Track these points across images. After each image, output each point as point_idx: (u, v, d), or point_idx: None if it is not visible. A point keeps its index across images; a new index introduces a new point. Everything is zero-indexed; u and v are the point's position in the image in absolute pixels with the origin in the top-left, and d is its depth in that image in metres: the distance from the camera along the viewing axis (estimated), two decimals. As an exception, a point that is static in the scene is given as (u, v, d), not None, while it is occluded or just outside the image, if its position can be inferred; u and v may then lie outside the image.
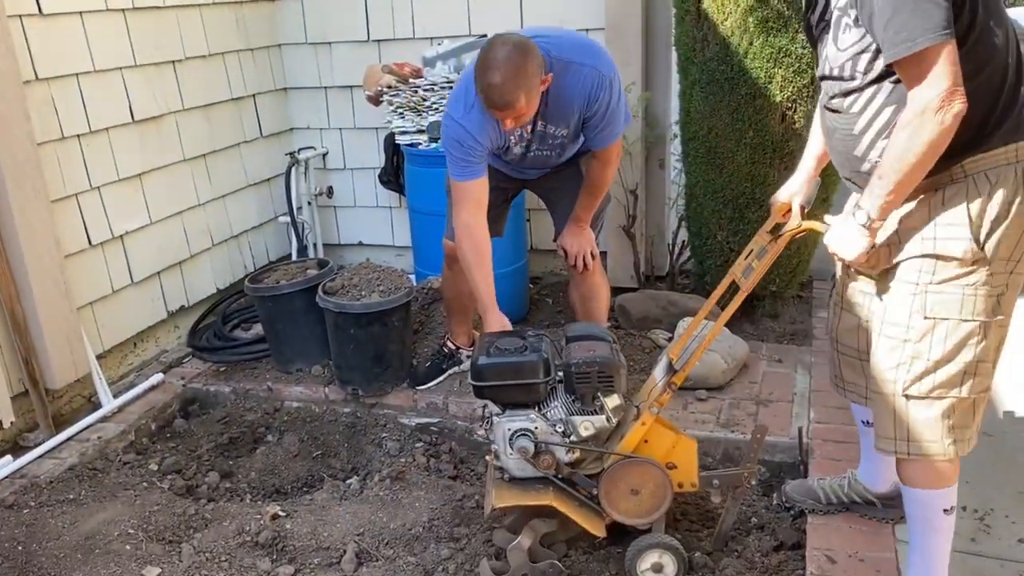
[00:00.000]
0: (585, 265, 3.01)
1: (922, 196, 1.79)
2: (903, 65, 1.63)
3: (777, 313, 3.69)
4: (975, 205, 1.73)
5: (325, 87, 4.43)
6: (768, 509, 2.60)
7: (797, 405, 2.99)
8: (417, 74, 3.90)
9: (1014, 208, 1.73)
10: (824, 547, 2.25)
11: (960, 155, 1.71)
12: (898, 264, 1.85)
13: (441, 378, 3.23)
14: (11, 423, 3.02)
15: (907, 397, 1.84)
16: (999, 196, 1.72)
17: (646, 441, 2.20)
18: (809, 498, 2.42)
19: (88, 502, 2.71)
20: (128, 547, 2.47)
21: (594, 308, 3.12)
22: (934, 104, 1.60)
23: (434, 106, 3.83)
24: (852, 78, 1.77)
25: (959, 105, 1.60)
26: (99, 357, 3.34)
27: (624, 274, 4.04)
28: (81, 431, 3.10)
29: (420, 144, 3.79)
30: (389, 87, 3.87)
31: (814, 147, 2.18)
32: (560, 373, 2.22)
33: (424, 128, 3.79)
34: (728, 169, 3.40)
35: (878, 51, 1.69)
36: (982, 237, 1.73)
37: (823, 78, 1.88)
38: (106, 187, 3.40)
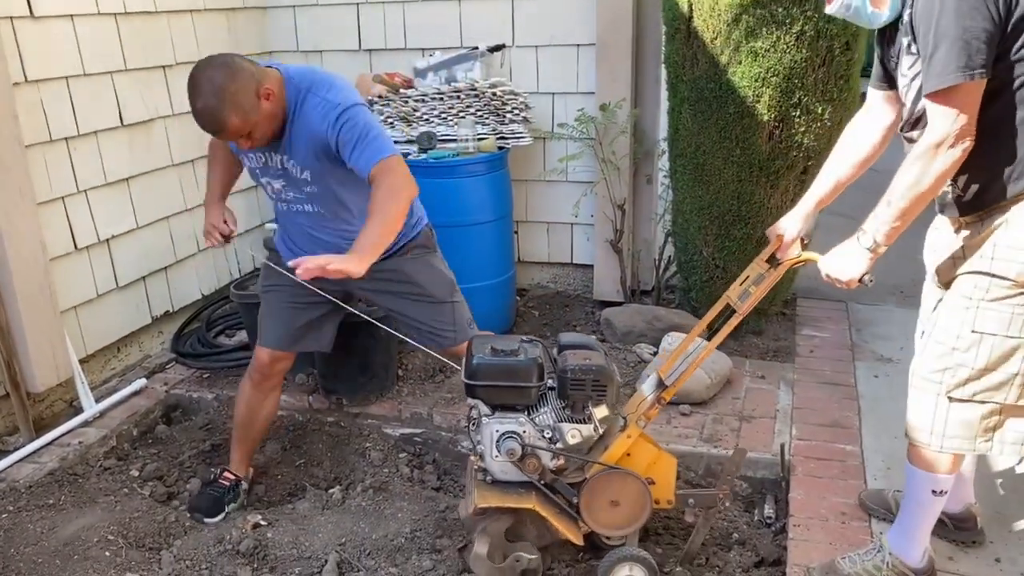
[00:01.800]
0: (445, 339, 2.70)
1: (990, 217, 1.87)
2: (932, 97, 1.73)
3: (761, 330, 3.72)
4: None
5: (315, 95, 4.43)
6: (749, 525, 2.62)
7: (779, 422, 3.02)
8: (408, 84, 3.92)
9: None
10: (804, 563, 2.27)
11: None
12: (958, 276, 1.94)
13: (221, 516, 2.72)
14: (-9, 426, 3.00)
15: (950, 399, 1.95)
16: None
17: (629, 454, 2.22)
18: (883, 507, 2.46)
19: (68, 508, 2.69)
20: (107, 553, 2.46)
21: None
22: (950, 139, 1.72)
23: (424, 116, 3.85)
24: (914, 106, 1.88)
25: (969, 142, 1.73)
26: (82, 361, 3.32)
27: (610, 288, 4.06)
28: (62, 436, 3.08)
29: (410, 154, 3.79)
30: (380, 97, 3.89)
31: (819, 189, 2.28)
32: (553, 379, 2.23)
33: (414, 138, 3.80)
34: (715, 186, 3.43)
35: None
36: None
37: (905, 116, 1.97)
38: (93, 191, 3.39)
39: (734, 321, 2.23)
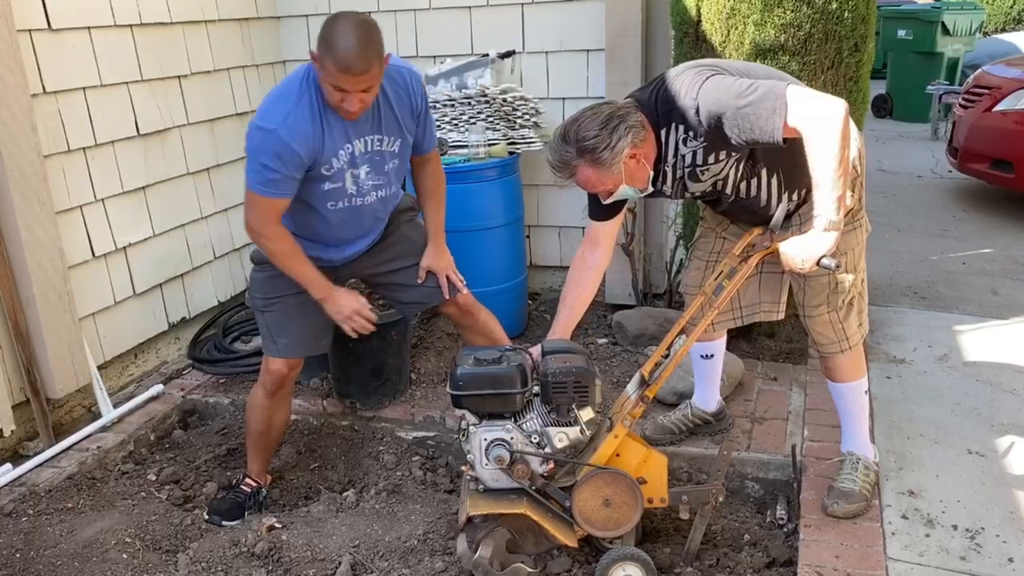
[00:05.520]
0: (454, 288, 2.80)
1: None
2: (798, 108, 2.02)
3: (773, 332, 3.71)
4: None
5: (328, 103, 4.47)
6: (761, 526, 2.63)
7: (791, 423, 3.02)
8: (419, 91, 3.95)
9: None
10: (816, 564, 2.27)
11: None
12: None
13: (241, 520, 2.77)
14: (11, 432, 3.04)
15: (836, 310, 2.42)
16: None
17: (618, 455, 2.25)
18: (665, 434, 2.88)
19: (86, 511, 2.74)
20: (125, 556, 2.50)
21: (501, 337, 2.89)
22: (842, 112, 2.00)
23: (436, 123, 3.87)
24: (724, 187, 2.30)
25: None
26: (100, 367, 3.37)
27: (622, 291, 4.07)
28: (80, 440, 3.13)
29: (421, 160, 3.83)
30: (391, 104, 3.92)
31: (567, 322, 2.50)
32: (537, 385, 2.26)
33: (425, 145, 3.83)
34: (725, 189, 3.43)
35: (737, 162, 2.23)
36: None
37: (699, 197, 2.42)
38: (110, 199, 3.44)
39: (711, 314, 2.32)
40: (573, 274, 2.47)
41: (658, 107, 2.22)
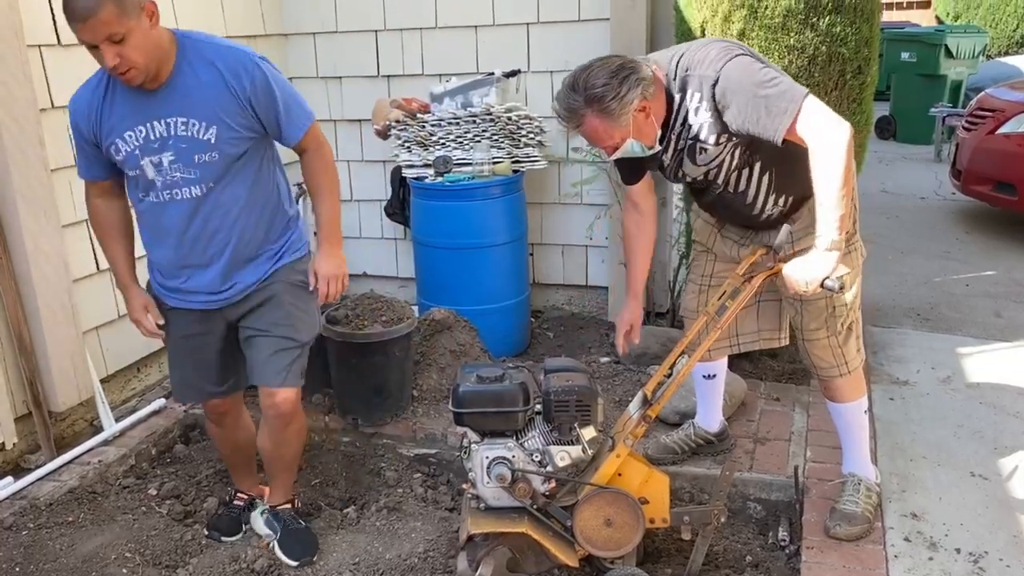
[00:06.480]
0: (279, 374, 2.46)
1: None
2: (806, 117, 2.02)
3: (775, 352, 3.71)
4: None
5: (335, 120, 4.51)
6: (763, 548, 2.61)
7: (794, 444, 3.01)
8: (425, 109, 3.98)
9: None
10: (817, 586, 2.26)
11: None
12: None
13: (240, 535, 2.72)
14: (13, 444, 3.05)
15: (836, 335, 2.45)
16: None
17: (620, 474, 2.24)
18: (667, 453, 2.89)
19: (87, 525, 2.73)
20: (125, 571, 2.49)
21: (285, 455, 2.64)
22: (847, 135, 2.02)
23: (441, 141, 3.90)
24: (716, 176, 2.30)
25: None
26: (103, 381, 3.37)
27: (625, 310, 4.07)
28: (82, 454, 3.12)
29: (426, 178, 3.85)
30: (397, 122, 3.95)
31: (640, 274, 2.60)
32: (539, 403, 2.26)
33: (430, 162, 3.85)
34: (728, 209, 3.44)
35: (735, 148, 2.21)
36: None
37: (691, 183, 2.41)
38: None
39: (713, 335, 2.31)
40: (629, 232, 2.56)
41: (677, 70, 2.19)
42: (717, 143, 2.20)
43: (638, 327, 2.57)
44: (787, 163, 2.20)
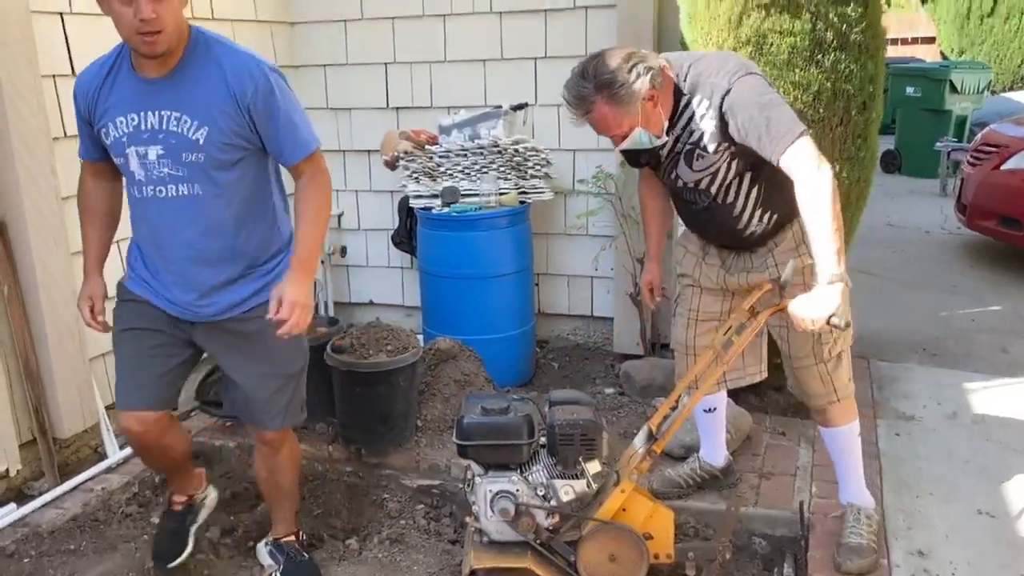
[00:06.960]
0: (266, 415, 2.42)
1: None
2: (795, 151, 2.08)
3: (781, 385, 3.68)
4: None
5: (343, 150, 4.55)
6: (768, 584, 2.59)
7: (799, 479, 2.99)
8: (433, 141, 4.02)
9: None
10: (823, 625, 2.24)
11: None
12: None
13: (189, 549, 2.62)
14: (17, 471, 3.05)
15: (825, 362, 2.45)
16: None
17: (624, 509, 2.22)
18: (672, 487, 2.86)
19: (88, 553, 2.72)
20: (125, 600, 2.48)
21: (284, 485, 2.61)
22: (829, 176, 2.08)
23: (448, 171, 3.93)
24: (710, 184, 2.32)
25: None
26: (108, 408, 3.37)
27: (630, 341, 4.07)
28: (85, 481, 3.12)
29: (433, 208, 3.88)
30: (406, 153, 3.98)
31: (658, 244, 2.72)
32: (544, 436, 2.25)
33: (438, 192, 3.88)
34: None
35: (732, 158, 2.25)
36: None
37: (681, 188, 2.41)
38: (123, 241, 3.45)
39: (719, 368, 2.31)
40: (643, 200, 2.66)
41: (690, 71, 2.23)
42: (716, 151, 2.24)
43: (659, 286, 2.69)
44: (776, 180, 2.23)
